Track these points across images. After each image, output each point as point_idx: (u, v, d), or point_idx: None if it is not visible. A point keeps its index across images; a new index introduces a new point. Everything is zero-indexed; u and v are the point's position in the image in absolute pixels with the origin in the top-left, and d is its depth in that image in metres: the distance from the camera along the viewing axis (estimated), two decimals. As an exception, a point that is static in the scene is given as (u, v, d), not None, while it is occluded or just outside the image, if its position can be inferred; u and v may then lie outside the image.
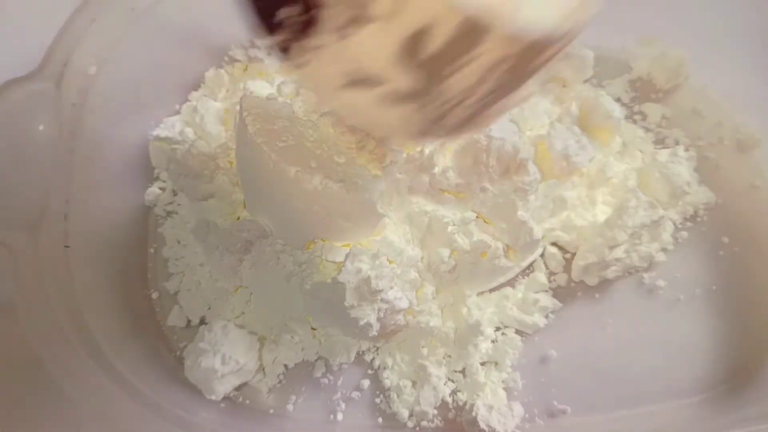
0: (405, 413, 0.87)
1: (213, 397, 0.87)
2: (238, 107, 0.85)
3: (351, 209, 0.80)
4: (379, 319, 0.81)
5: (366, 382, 0.90)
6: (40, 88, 0.83)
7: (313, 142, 0.81)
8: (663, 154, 1.00)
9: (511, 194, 0.86)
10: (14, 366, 0.93)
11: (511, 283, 0.94)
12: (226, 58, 1.10)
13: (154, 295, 0.96)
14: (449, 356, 0.90)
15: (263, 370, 0.91)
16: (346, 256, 0.81)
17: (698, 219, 1.00)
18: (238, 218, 0.93)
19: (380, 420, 0.88)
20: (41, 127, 0.82)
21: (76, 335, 0.78)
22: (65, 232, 0.82)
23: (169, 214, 1.01)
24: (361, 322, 0.79)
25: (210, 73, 1.09)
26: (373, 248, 0.84)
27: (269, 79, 1.05)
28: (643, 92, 1.11)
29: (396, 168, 0.83)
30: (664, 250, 0.96)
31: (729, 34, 1.04)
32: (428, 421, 0.87)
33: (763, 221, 0.99)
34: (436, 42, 0.51)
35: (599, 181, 0.95)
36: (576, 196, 0.94)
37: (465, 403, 0.86)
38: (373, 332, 0.81)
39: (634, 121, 1.08)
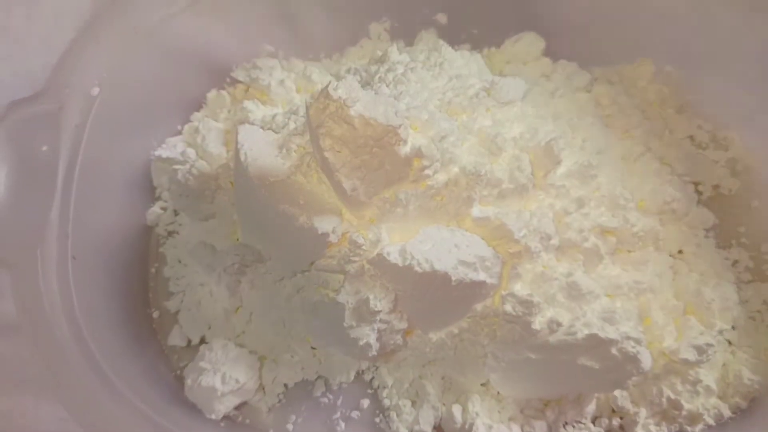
0: (405, 433, 0.87)
1: (213, 417, 0.87)
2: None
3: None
4: (378, 339, 0.82)
5: (365, 402, 0.90)
6: (43, 109, 0.84)
7: (303, 178, 0.83)
8: (662, 175, 1.01)
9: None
10: (16, 384, 0.94)
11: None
12: (228, 79, 1.11)
13: (155, 315, 0.97)
14: (449, 376, 0.90)
15: (263, 389, 0.91)
16: (345, 277, 0.82)
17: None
18: (238, 239, 0.93)
19: (380, 439, 0.88)
20: (44, 148, 0.83)
21: (76, 354, 0.78)
22: (67, 251, 0.82)
23: (170, 233, 1.02)
24: (361, 343, 0.80)
25: (212, 94, 1.10)
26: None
27: (268, 102, 1.06)
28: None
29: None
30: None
31: (726, 55, 1.05)
32: (428, 441, 0.87)
33: (763, 240, 0.99)
34: None
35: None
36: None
37: (464, 423, 0.86)
38: (373, 352, 0.81)
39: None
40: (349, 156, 0.76)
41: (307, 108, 0.77)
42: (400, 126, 0.74)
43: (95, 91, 0.90)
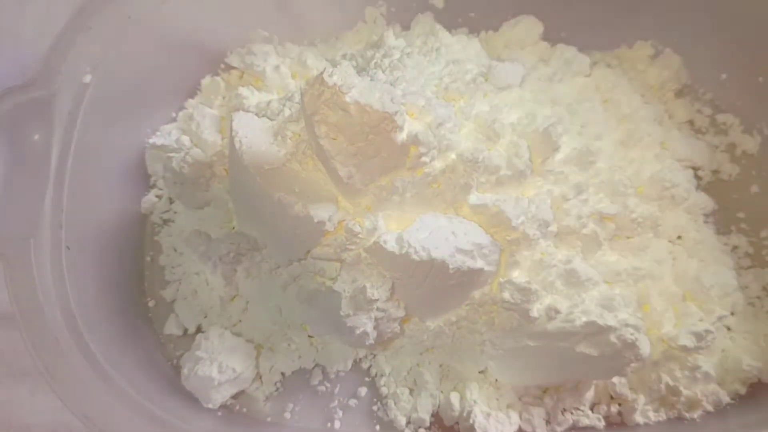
0: (402, 420, 0.87)
1: (210, 406, 0.87)
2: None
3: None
4: (375, 328, 0.81)
5: (363, 390, 0.90)
6: (35, 97, 0.83)
7: (298, 166, 0.82)
8: (662, 160, 1.00)
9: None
10: (12, 375, 0.93)
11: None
12: (222, 65, 1.09)
13: (151, 304, 0.97)
14: (447, 363, 0.89)
15: (260, 378, 0.91)
16: (342, 265, 0.81)
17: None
18: (234, 227, 0.92)
19: (378, 427, 0.88)
20: (36, 137, 0.82)
21: (71, 345, 0.77)
22: (61, 241, 0.82)
23: (165, 222, 1.01)
24: (358, 331, 0.79)
25: (206, 81, 1.08)
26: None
27: (263, 87, 1.05)
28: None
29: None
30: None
31: (725, 38, 1.04)
32: (425, 429, 0.87)
33: (762, 225, 0.99)
34: None
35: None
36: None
37: (462, 410, 0.85)
38: (370, 340, 0.81)
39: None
40: (345, 143, 0.75)
41: (302, 95, 0.76)
42: (396, 113, 0.73)
43: (88, 78, 0.88)
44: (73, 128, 0.86)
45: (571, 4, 1.09)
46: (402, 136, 0.76)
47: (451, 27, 1.08)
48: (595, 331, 0.79)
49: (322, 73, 0.73)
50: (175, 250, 0.98)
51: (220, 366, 0.86)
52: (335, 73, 0.72)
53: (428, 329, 0.86)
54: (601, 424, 0.86)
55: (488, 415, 0.84)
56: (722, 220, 1.00)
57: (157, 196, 1.02)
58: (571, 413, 0.86)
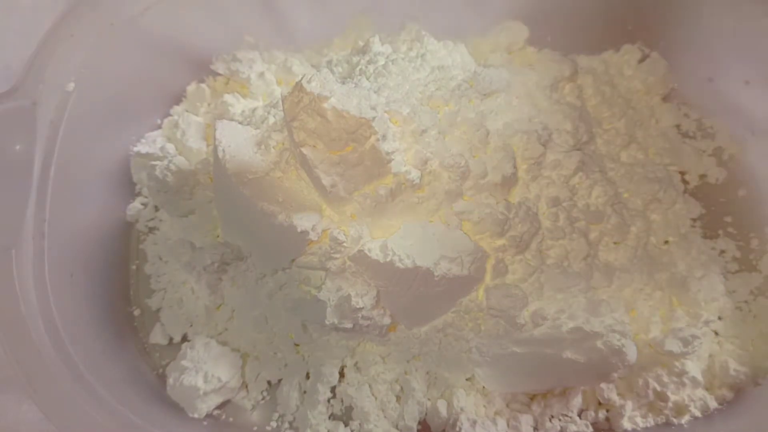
0: (390, 429, 0.86)
1: (196, 416, 0.86)
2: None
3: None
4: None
5: (349, 398, 0.89)
6: (16, 106, 0.82)
7: (282, 175, 0.82)
8: (649, 165, 1.00)
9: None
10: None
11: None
12: (208, 72, 1.09)
13: (136, 313, 0.96)
14: (434, 371, 0.89)
15: (246, 387, 0.90)
16: (326, 274, 0.81)
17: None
18: (218, 236, 0.92)
19: (365, 436, 0.87)
20: (18, 147, 0.81)
21: (53, 356, 0.76)
22: (43, 251, 0.81)
23: (151, 230, 1.00)
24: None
25: (191, 87, 1.08)
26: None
27: (249, 94, 1.05)
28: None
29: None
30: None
31: (712, 41, 1.04)
32: (412, 436, 0.86)
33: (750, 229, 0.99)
34: None
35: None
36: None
37: (449, 418, 0.85)
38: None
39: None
40: (326, 151, 0.75)
41: (283, 101, 0.75)
42: (373, 118, 0.73)
43: (71, 86, 0.88)
44: (56, 137, 0.86)
45: (557, 8, 1.09)
46: (384, 146, 0.75)
47: (438, 32, 1.07)
48: (581, 337, 0.79)
49: (301, 79, 0.72)
50: (161, 259, 0.97)
51: (205, 375, 0.85)
52: (314, 79, 0.72)
53: (415, 337, 0.86)
54: (589, 430, 0.86)
55: (475, 422, 0.83)
56: (709, 225, 1.00)
57: (142, 204, 1.01)
58: (559, 420, 0.86)
